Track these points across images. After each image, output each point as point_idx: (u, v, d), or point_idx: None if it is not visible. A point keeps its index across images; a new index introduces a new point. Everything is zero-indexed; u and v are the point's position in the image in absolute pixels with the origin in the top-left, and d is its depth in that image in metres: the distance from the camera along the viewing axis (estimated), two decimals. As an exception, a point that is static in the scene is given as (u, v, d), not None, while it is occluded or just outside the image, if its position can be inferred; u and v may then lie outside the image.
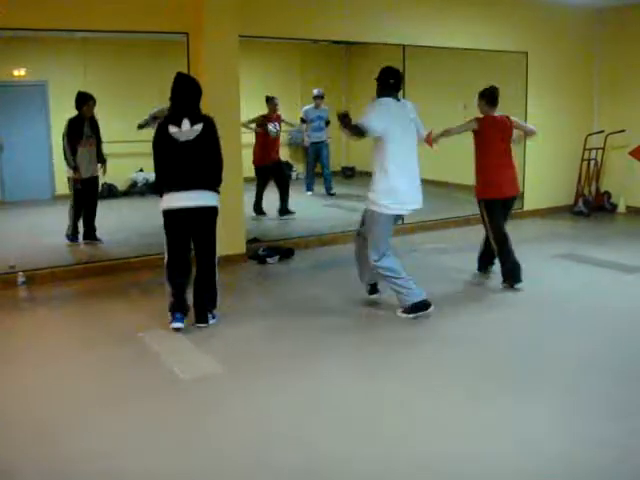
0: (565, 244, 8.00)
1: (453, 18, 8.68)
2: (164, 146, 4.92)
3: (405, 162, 5.29)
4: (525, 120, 9.58)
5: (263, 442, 3.44)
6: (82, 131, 7.42)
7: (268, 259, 7.20)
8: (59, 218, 7.46)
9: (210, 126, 5.01)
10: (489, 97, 6.20)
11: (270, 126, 9.30)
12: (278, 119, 9.49)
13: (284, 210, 9.38)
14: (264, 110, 9.40)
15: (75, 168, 7.39)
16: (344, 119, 5.11)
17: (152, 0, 6.56)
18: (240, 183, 7.13)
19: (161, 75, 8.52)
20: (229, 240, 7.10)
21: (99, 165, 7.70)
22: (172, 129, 4.88)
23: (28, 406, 3.90)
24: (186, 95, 4.95)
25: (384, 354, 4.64)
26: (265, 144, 9.37)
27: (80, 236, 7.67)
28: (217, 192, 5.16)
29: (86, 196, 7.60)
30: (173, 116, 4.93)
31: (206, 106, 6.72)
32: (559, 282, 6.45)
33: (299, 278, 6.69)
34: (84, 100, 7.40)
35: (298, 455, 3.30)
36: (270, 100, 9.45)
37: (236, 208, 7.12)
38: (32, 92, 9.83)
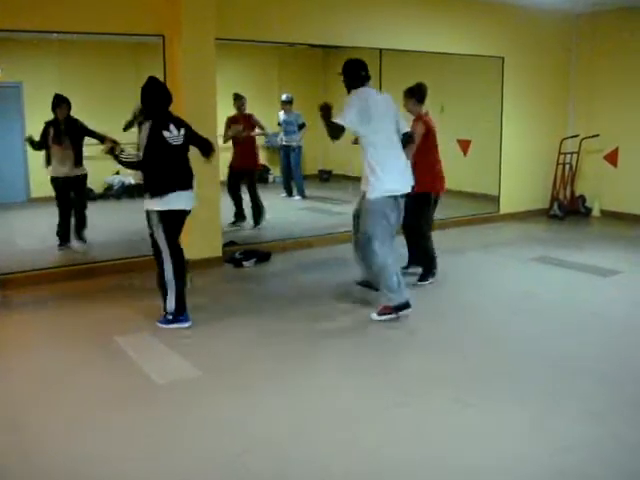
0: (540, 247, 8.07)
1: (430, 22, 8.73)
2: (163, 150, 5.04)
3: (392, 156, 5.26)
4: (501, 124, 9.71)
5: (241, 446, 3.42)
6: (57, 134, 7.43)
7: (244, 262, 7.19)
8: (34, 221, 7.40)
9: (191, 130, 5.29)
10: (420, 94, 6.26)
11: (232, 128, 8.88)
12: (246, 120, 9.06)
13: (256, 221, 9.11)
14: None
15: (46, 164, 7.55)
16: (324, 111, 5.05)
17: (127, 2, 6.53)
18: (217, 186, 7.12)
19: (138, 77, 8.47)
20: (205, 243, 7.08)
21: (79, 165, 7.60)
22: (166, 133, 5.02)
23: (5, 411, 3.86)
24: (166, 101, 5.12)
25: (364, 358, 4.65)
26: (235, 145, 9.03)
27: (70, 238, 7.65)
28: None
29: (63, 194, 7.61)
30: (163, 121, 5.04)
31: (182, 109, 6.74)
32: (534, 285, 6.50)
33: (276, 281, 6.68)
34: (56, 103, 7.45)
35: (275, 461, 3.29)
36: (237, 99, 9.08)
37: (212, 211, 7.10)
38: (7, 94, 9.72)
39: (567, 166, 10.30)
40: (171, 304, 5.19)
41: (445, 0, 8.75)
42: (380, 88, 8.51)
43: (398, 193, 5.27)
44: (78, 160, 7.62)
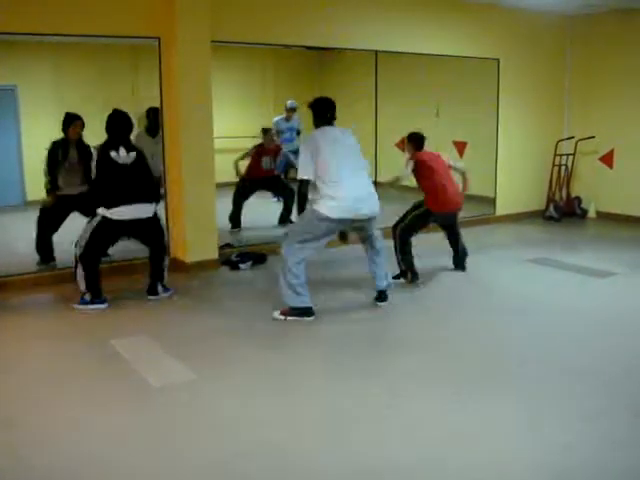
0: (536, 249, 8.07)
1: (426, 25, 8.74)
2: (107, 167, 5.75)
3: (353, 176, 5.33)
4: (497, 126, 9.72)
5: (237, 449, 3.42)
6: (66, 156, 6.70)
7: (241, 265, 7.18)
8: (30, 224, 7.35)
9: (141, 154, 5.96)
10: (417, 143, 6.64)
11: (264, 161, 9.15)
12: (275, 152, 9.28)
13: (285, 219, 9.21)
14: (236, 116, 9.30)
15: (49, 191, 6.74)
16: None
17: (123, 4, 6.51)
18: (212, 189, 7.10)
19: (133, 80, 8.48)
20: (201, 246, 7.08)
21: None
22: (112, 154, 5.73)
23: (1, 413, 3.86)
24: (121, 128, 5.86)
25: (361, 359, 4.64)
26: (257, 172, 9.19)
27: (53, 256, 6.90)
28: (157, 202, 6.06)
29: (58, 212, 6.80)
30: (111, 144, 5.78)
31: (178, 111, 6.75)
32: (530, 286, 6.51)
33: (272, 284, 6.65)
34: (70, 120, 6.73)
35: (272, 464, 3.28)
36: (265, 132, 9.29)
37: (208, 214, 7.10)
38: (1, 97, 9.71)
39: (563, 168, 10.32)
40: (82, 285, 5.78)
41: (441, 2, 8.77)
42: (376, 90, 8.59)
43: (341, 216, 5.29)
44: (88, 179, 6.46)
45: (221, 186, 7.89)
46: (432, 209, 6.54)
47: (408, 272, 6.50)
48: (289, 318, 5.40)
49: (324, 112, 5.53)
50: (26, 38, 6.89)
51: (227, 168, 8.99)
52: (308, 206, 5.54)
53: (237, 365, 4.55)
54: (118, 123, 5.86)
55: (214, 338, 5.09)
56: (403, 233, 6.51)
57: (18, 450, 3.42)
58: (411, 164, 6.53)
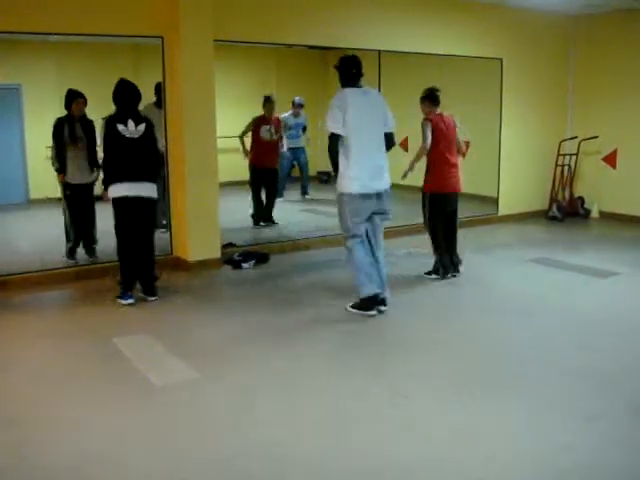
0: (539, 249, 8.07)
1: (429, 24, 8.74)
2: (114, 141, 5.62)
3: (368, 153, 5.37)
4: (500, 126, 9.72)
5: (239, 447, 3.43)
6: (72, 132, 6.79)
7: (243, 264, 7.19)
8: (33, 222, 7.38)
9: (150, 126, 5.80)
10: (430, 98, 6.52)
11: (263, 129, 9.09)
12: (276, 122, 9.27)
13: (267, 217, 9.28)
14: (239, 116, 9.31)
15: (59, 170, 6.81)
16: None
17: (127, 4, 6.53)
18: (215, 188, 7.12)
19: (137, 78, 8.47)
20: (204, 245, 7.09)
21: (93, 171, 6.93)
22: (120, 127, 5.59)
23: (3, 412, 3.88)
24: (129, 98, 5.69)
25: (362, 358, 4.65)
26: (260, 147, 9.15)
27: (77, 252, 7.10)
28: (155, 183, 5.90)
29: (77, 204, 6.98)
30: (119, 116, 5.65)
31: (181, 109, 6.76)
32: (533, 286, 6.51)
33: (274, 283, 6.68)
34: (72, 97, 6.83)
35: (273, 462, 3.29)
36: (267, 100, 9.20)
37: (211, 212, 7.11)
38: (6, 95, 9.74)
39: (566, 168, 10.31)
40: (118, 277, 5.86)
41: (444, 2, 8.76)
42: (379, 90, 8.55)
43: (365, 191, 5.36)
44: (93, 163, 6.92)
45: (224, 185, 7.91)
46: (431, 190, 6.41)
47: (439, 268, 6.55)
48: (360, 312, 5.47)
49: (349, 69, 5.48)
50: (30, 37, 6.93)
51: (230, 167, 9.00)
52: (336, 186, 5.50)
53: (239, 364, 4.56)
54: (126, 93, 5.70)
55: (216, 337, 5.10)
56: (429, 230, 6.52)
57: (20, 449, 3.43)
58: (429, 127, 6.33)
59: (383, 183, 5.46)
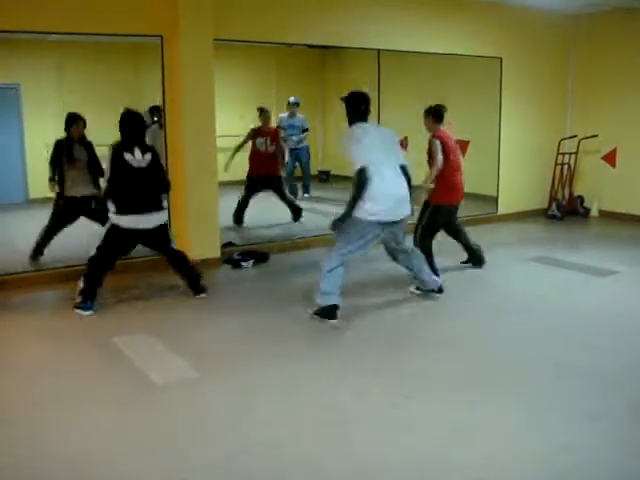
0: (539, 248, 8.07)
1: (428, 23, 8.73)
2: (121, 171, 5.58)
3: (389, 184, 5.32)
4: (499, 125, 9.72)
5: (239, 447, 3.42)
6: (70, 153, 6.86)
7: (243, 263, 7.19)
8: (33, 222, 7.36)
9: (156, 155, 5.82)
10: (436, 115, 6.45)
11: (258, 142, 9.10)
12: (272, 134, 9.21)
13: (296, 216, 9.33)
14: (239, 115, 9.31)
15: (53, 180, 6.89)
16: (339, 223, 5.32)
17: (126, 3, 6.52)
18: (214, 187, 7.12)
19: (137, 78, 8.48)
20: (203, 244, 7.08)
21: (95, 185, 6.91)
22: (127, 156, 5.58)
23: (2, 412, 3.87)
24: (136, 128, 5.71)
25: (362, 358, 4.65)
26: (256, 157, 9.19)
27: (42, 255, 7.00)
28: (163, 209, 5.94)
29: (64, 215, 6.97)
30: (126, 145, 5.62)
31: (181, 109, 6.75)
32: (533, 285, 6.51)
33: (274, 282, 6.68)
34: (72, 121, 6.90)
35: (273, 462, 3.29)
36: (261, 112, 9.21)
37: (210, 212, 7.11)
38: (5, 95, 9.73)
39: (565, 166, 10.31)
40: (80, 286, 5.66)
41: (444, 1, 8.76)
42: (378, 89, 8.56)
43: (382, 219, 5.33)
44: (96, 180, 6.90)
45: (224, 184, 7.91)
46: (440, 201, 6.41)
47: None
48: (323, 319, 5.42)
49: (358, 105, 5.48)
50: (29, 37, 6.92)
51: (230, 167, 8.99)
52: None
53: (239, 363, 4.56)
54: (131, 124, 5.70)
55: (216, 336, 5.10)
56: (421, 241, 6.44)
57: (18, 449, 3.44)
58: (439, 147, 6.32)
59: (404, 211, 5.46)
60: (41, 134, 7.30)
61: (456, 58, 9.11)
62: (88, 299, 5.63)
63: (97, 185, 6.89)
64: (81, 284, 5.64)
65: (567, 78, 10.44)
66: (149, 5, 6.64)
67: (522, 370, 4.42)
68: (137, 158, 5.61)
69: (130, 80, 9.24)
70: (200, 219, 7.01)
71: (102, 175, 6.57)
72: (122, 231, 5.64)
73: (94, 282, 5.66)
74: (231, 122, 10.18)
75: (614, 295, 6.21)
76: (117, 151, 5.59)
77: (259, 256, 7.39)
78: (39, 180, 7.55)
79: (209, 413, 3.83)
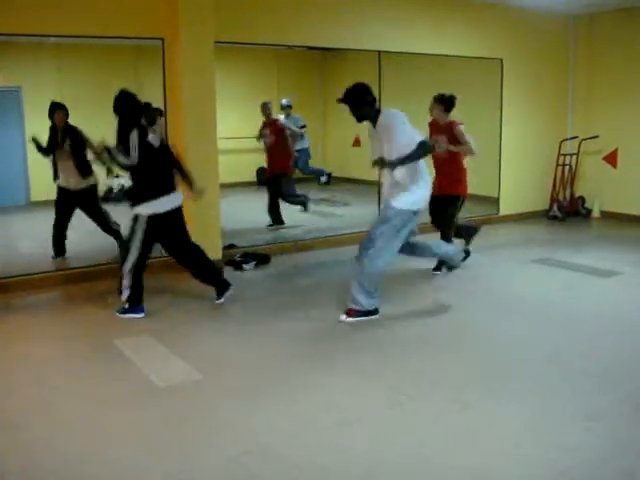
0: (540, 249, 8.07)
1: (428, 25, 8.75)
2: (149, 155, 5.35)
3: (426, 173, 5.37)
4: (500, 126, 9.72)
5: (241, 449, 3.43)
6: (54, 139, 7.12)
7: (244, 265, 7.20)
8: (35, 224, 7.39)
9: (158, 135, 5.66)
10: (447, 104, 6.51)
11: (264, 135, 9.23)
12: (274, 127, 9.22)
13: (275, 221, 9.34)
14: (240, 117, 9.34)
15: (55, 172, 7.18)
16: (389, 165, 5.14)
17: (127, 6, 6.54)
18: (216, 189, 7.12)
19: (137, 80, 8.49)
20: (205, 246, 7.07)
21: (84, 177, 7.17)
22: (150, 137, 5.37)
23: (6, 414, 3.88)
24: (138, 108, 5.48)
25: (363, 359, 4.65)
26: (267, 152, 9.38)
27: (65, 249, 7.25)
28: None
29: (62, 207, 7.22)
30: (142, 128, 5.37)
31: (182, 111, 6.76)
32: (534, 287, 6.51)
33: (275, 284, 6.69)
34: (52, 109, 7.09)
35: (275, 463, 3.29)
36: (261, 106, 9.26)
37: (212, 214, 7.11)
38: (6, 98, 9.75)
39: (567, 167, 10.32)
40: (125, 294, 5.50)
41: (443, 2, 8.77)
42: (379, 91, 8.56)
43: (421, 208, 5.41)
44: (84, 171, 7.15)
45: (225, 186, 7.92)
46: (465, 195, 6.64)
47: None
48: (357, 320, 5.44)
49: (364, 97, 5.35)
50: (30, 39, 6.93)
51: (231, 169, 9.01)
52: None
53: (241, 364, 4.56)
54: (133, 103, 5.45)
55: (218, 338, 5.11)
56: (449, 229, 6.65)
57: (22, 451, 3.44)
58: (464, 132, 6.34)
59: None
60: (42, 136, 7.31)
61: (457, 59, 9.12)
62: (139, 302, 5.55)
63: (84, 176, 7.11)
64: (124, 295, 5.50)
65: (568, 79, 10.44)
66: (150, 8, 6.65)
67: (522, 370, 4.42)
68: (152, 137, 5.41)
69: (131, 82, 9.24)
70: (202, 221, 7.01)
71: (87, 166, 6.97)
72: (161, 218, 5.43)
73: (139, 286, 5.53)
74: (232, 124, 10.20)
75: (617, 296, 6.20)
76: (141, 137, 5.32)
77: (260, 258, 7.40)
78: (41, 183, 7.58)
79: (211, 414, 3.84)
